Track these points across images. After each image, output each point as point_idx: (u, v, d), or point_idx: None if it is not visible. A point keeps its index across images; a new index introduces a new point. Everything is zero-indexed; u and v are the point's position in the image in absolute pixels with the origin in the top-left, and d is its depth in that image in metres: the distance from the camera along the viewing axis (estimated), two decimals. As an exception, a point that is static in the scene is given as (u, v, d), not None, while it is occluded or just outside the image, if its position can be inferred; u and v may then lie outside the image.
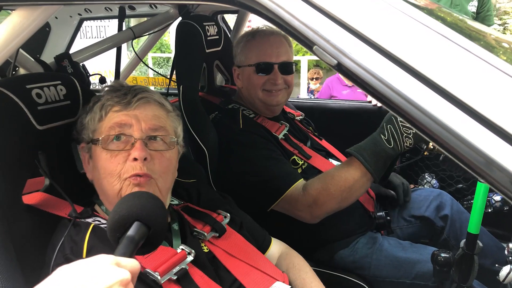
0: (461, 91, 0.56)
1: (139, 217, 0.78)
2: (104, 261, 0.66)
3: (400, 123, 1.43)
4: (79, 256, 1.00)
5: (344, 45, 0.64)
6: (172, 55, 10.44)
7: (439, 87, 0.57)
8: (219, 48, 2.05)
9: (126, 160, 1.07)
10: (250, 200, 1.55)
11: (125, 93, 1.14)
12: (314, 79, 7.55)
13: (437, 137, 0.56)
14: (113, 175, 1.07)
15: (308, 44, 0.66)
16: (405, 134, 1.42)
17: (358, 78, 0.62)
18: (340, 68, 0.63)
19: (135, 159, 1.06)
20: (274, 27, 1.81)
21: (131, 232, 0.75)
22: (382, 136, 1.43)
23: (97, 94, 1.20)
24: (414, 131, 1.42)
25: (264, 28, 1.82)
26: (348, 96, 5.70)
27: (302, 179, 1.60)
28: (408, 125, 1.40)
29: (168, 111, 1.19)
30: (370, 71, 0.61)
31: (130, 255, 0.72)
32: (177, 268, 1.05)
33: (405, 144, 1.42)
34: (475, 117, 0.54)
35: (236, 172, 1.66)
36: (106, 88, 1.19)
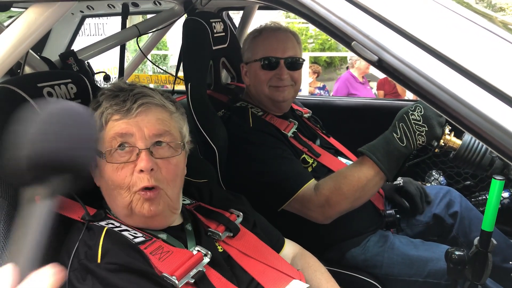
0: (508, 87, 0.55)
1: (59, 168, 0.54)
2: None
3: (412, 121, 1.42)
4: (94, 261, 0.98)
5: (384, 41, 0.62)
6: (168, 53, 10.45)
7: (484, 82, 0.55)
8: (225, 45, 2.03)
9: (133, 171, 1.04)
10: (260, 200, 1.54)
11: (124, 99, 1.07)
12: (312, 73, 7.59)
13: (484, 133, 0.55)
14: (122, 188, 1.05)
15: (345, 40, 0.64)
16: (418, 132, 1.41)
17: (400, 75, 0.60)
18: (381, 64, 0.62)
19: (142, 171, 1.03)
20: (282, 23, 1.83)
21: (42, 207, 0.52)
22: (394, 134, 1.43)
23: (96, 99, 1.14)
24: (426, 129, 1.42)
25: (272, 24, 1.80)
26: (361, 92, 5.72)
27: (314, 179, 1.58)
28: (421, 121, 1.41)
29: (171, 112, 1.13)
30: (413, 67, 0.59)
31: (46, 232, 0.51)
32: (194, 271, 1.04)
33: (418, 142, 1.42)
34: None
35: (247, 172, 1.65)
36: (103, 94, 1.13)
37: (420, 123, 1.41)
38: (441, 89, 0.58)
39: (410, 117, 1.42)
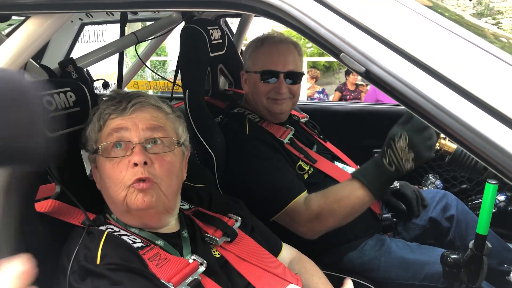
0: (492, 98, 0.57)
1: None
2: None
3: (398, 149, 1.42)
4: (93, 263, 0.99)
5: (372, 53, 0.64)
6: (168, 58, 10.47)
7: (469, 94, 0.58)
8: (223, 52, 2.05)
9: (128, 167, 1.07)
10: (253, 208, 1.56)
11: (119, 100, 1.14)
12: (310, 78, 7.64)
13: (468, 142, 0.57)
14: (117, 184, 1.07)
15: (334, 51, 0.66)
16: (405, 158, 1.42)
17: (387, 85, 0.62)
18: (368, 75, 0.64)
19: (135, 165, 1.06)
20: (284, 34, 1.84)
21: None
22: (383, 159, 1.45)
23: (97, 105, 1.20)
24: (413, 156, 1.41)
25: (275, 34, 1.81)
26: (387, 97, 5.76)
27: (305, 191, 1.61)
28: (406, 149, 1.40)
29: (166, 113, 1.18)
30: (399, 78, 0.61)
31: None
32: (190, 279, 1.05)
33: (406, 167, 1.43)
34: (509, 124, 0.55)
35: (241, 180, 1.67)
36: (103, 98, 1.19)
37: (406, 150, 1.41)
38: (426, 99, 0.60)
39: (396, 144, 1.42)
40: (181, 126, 1.22)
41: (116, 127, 1.10)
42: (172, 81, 2.37)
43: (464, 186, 2.29)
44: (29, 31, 1.01)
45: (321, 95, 7.74)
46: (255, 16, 2.43)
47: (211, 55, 1.92)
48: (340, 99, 7.10)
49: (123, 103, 1.13)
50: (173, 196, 1.15)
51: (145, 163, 1.06)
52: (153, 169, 1.08)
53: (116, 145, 1.09)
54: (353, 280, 1.62)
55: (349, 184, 1.52)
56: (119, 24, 2.35)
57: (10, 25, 2.60)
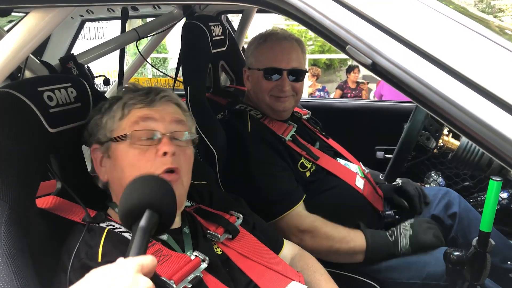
0: (501, 90, 0.56)
1: (150, 205, 0.81)
2: (129, 270, 0.69)
3: (402, 228, 1.60)
4: (94, 260, 0.99)
5: (378, 45, 0.63)
6: (168, 56, 10.46)
7: (477, 85, 0.57)
8: (224, 49, 2.04)
9: (155, 156, 1.08)
10: (252, 208, 1.56)
11: (147, 92, 1.17)
12: (311, 76, 7.65)
13: (477, 135, 0.56)
14: (142, 172, 1.05)
15: (340, 44, 0.65)
16: (403, 234, 1.59)
17: (394, 78, 0.62)
18: (375, 67, 0.63)
19: (165, 154, 1.07)
20: (287, 30, 1.83)
21: (143, 222, 0.78)
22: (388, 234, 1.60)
23: (115, 96, 1.22)
24: (411, 233, 1.59)
25: (278, 31, 1.79)
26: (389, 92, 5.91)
27: (302, 200, 1.62)
28: (408, 225, 1.56)
29: (185, 110, 1.22)
30: (406, 70, 0.60)
31: (146, 247, 0.77)
32: (192, 276, 1.05)
33: (401, 243, 1.57)
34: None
35: (241, 180, 1.67)
36: (123, 89, 1.22)
37: (407, 227, 1.59)
38: (433, 92, 0.59)
39: (401, 226, 1.60)
40: (194, 125, 1.26)
41: (144, 116, 1.11)
42: (173, 77, 2.36)
43: (467, 183, 2.29)
44: (29, 26, 1.00)
45: (322, 93, 7.75)
46: (256, 12, 2.43)
47: (213, 51, 1.91)
48: (341, 97, 7.11)
49: (150, 95, 1.15)
50: (186, 192, 1.17)
51: (173, 153, 1.08)
52: (180, 160, 1.10)
53: (145, 134, 1.10)
54: (356, 278, 1.62)
55: (357, 232, 1.59)
56: (119, 21, 2.34)
57: (10, 21, 2.59)
